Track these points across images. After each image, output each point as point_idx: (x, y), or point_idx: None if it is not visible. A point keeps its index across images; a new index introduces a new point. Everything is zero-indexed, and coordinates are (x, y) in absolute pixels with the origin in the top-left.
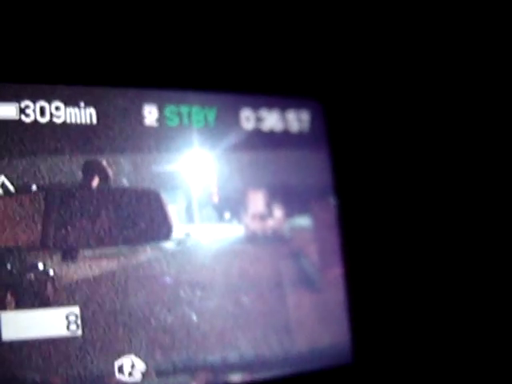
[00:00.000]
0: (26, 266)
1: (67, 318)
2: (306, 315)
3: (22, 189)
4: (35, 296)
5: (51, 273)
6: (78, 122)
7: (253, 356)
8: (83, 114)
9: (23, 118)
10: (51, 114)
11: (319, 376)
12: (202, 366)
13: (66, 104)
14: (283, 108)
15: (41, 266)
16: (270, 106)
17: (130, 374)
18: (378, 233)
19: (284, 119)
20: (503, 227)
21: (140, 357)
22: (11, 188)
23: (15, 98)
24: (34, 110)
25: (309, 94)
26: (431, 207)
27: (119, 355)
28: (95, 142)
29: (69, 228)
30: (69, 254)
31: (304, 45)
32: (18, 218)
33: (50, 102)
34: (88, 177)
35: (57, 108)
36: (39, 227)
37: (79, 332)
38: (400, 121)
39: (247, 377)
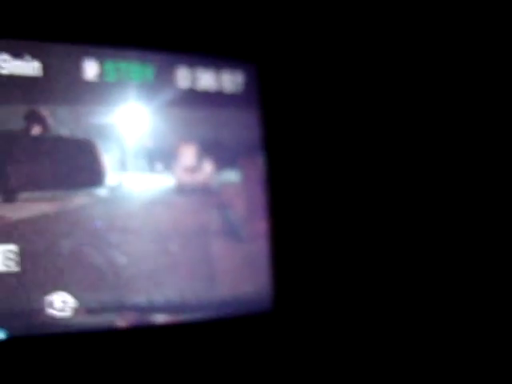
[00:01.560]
0: None
1: (5, 255)
2: (230, 264)
3: None
4: None
5: None
6: (24, 74)
7: (177, 299)
8: (29, 67)
9: None
10: None
11: (239, 321)
12: (128, 306)
13: (13, 57)
14: (218, 68)
15: None
16: (205, 65)
17: (61, 309)
18: (302, 190)
19: (219, 80)
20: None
21: (71, 294)
22: None
23: None
24: None
25: (244, 55)
26: (354, 169)
27: (51, 291)
28: (38, 93)
29: (10, 172)
30: (9, 197)
31: (243, 7)
32: None
33: None
34: (29, 125)
35: (4, 60)
36: None
37: (15, 269)
38: (331, 86)
39: (171, 318)
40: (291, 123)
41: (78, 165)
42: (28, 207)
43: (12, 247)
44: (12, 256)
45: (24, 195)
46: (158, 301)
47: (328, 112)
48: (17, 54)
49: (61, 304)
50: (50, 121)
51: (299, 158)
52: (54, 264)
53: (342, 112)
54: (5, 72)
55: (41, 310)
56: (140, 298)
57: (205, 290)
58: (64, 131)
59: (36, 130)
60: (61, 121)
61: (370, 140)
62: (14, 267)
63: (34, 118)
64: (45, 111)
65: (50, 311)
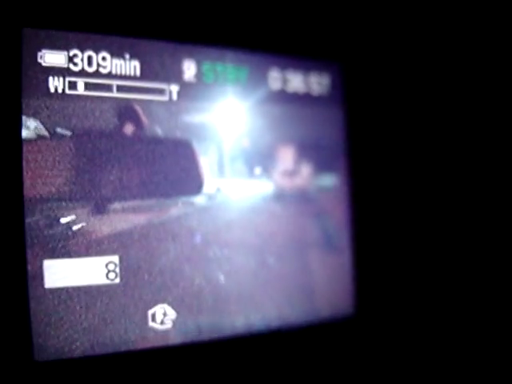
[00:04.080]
0: (59, 217)
1: (107, 266)
2: (322, 274)
3: (56, 134)
4: (76, 246)
5: (83, 224)
6: (123, 73)
7: (276, 320)
8: (128, 66)
9: (71, 66)
10: (98, 64)
11: (325, 328)
12: (226, 331)
13: (113, 55)
14: (307, 70)
15: (72, 218)
16: (295, 67)
17: (162, 322)
18: (385, 195)
19: (307, 81)
20: None
21: (172, 306)
22: (45, 133)
23: (65, 46)
24: (82, 59)
25: (331, 57)
26: (441, 172)
27: (153, 304)
28: (135, 92)
29: (101, 179)
30: (100, 206)
31: (329, 10)
32: (51, 165)
33: (97, 52)
34: (122, 123)
35: (103, 58)
36: (73, 175)
37: (117, 280)
38: (416, 89)
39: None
40: (375, 125)
41: (175, 170)
42: (121, 219)
43: (115, 258)
44: (115, 268)
45: (115, 205)
46: (257, 323)
47: (412, 112)
48: (116, 53)
49: (162, 316)
50: (144, 118)
51: (382, 160)
52: (154, 277)
53: (427, 109)
54: (104, 71)
55: (143, 323)
56: (239, 322)
57: (301, 306)
58: (159, 130)
59: (129, 128)
60: (155, 118)
61: (456, 143)
62: (117, 279)
63: (127, 114)
64: (138, 108)
65: (152, 324)
